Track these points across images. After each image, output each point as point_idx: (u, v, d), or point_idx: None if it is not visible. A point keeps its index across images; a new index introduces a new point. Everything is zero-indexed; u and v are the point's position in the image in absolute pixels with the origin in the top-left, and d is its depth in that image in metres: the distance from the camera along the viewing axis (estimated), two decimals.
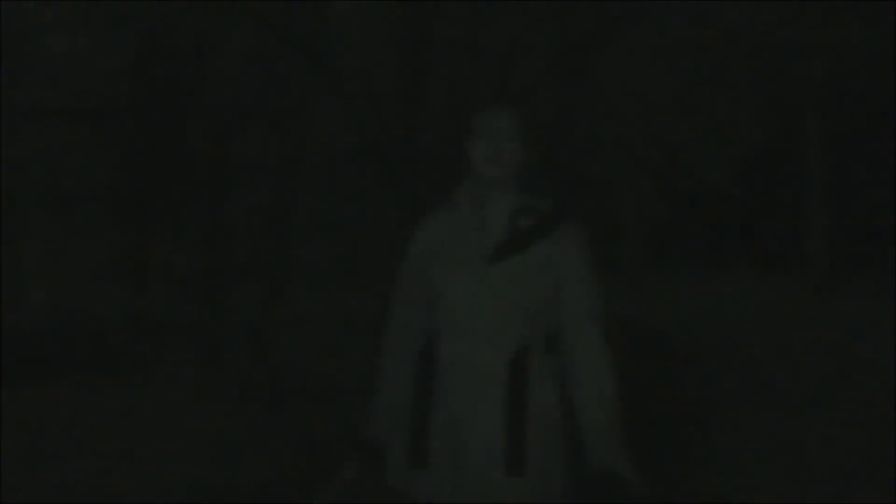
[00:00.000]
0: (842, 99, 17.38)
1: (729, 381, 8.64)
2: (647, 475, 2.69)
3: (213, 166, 10.70)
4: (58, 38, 16.73)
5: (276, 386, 8.14)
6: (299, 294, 13.19)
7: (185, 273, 15.64)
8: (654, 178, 20.82)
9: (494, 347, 2.62)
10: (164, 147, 15.63)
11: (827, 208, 16.79)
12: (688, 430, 6.87)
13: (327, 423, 6.55)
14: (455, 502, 2.63)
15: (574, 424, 2.67)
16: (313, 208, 16.07)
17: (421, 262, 2.72)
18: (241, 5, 9.46)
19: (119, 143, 16.57)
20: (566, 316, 2.68)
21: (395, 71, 10.32)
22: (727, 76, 18.18)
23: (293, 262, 13.00)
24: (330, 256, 17.17)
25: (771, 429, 6.85)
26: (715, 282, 18.31)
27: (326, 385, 7.87)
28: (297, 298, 12.61)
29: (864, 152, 19.13)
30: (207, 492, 5.32)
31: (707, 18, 15.24)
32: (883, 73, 16.58)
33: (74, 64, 17.03)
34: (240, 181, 12.94)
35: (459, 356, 2.64)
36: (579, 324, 2.67)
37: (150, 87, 15.24)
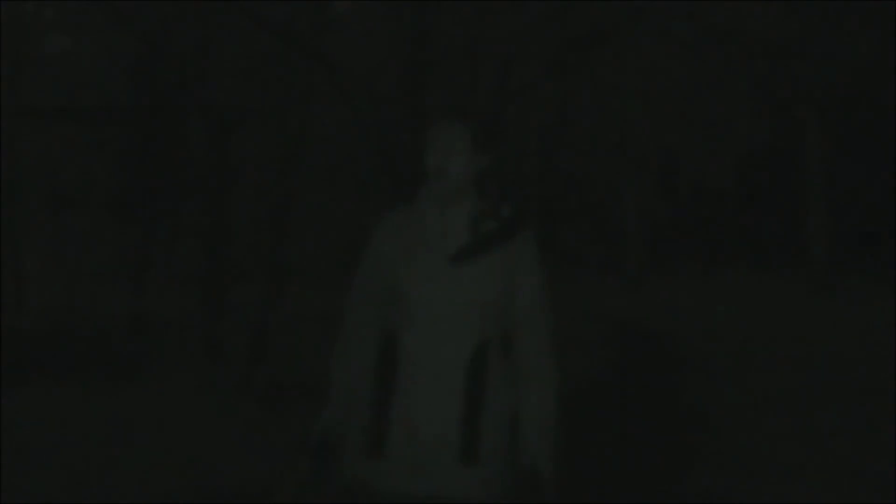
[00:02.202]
0: (842, 99, 17.39)
1: (729, 381, 8.65)
2: (566, 478, 2.88)
3: (213, 166, 10.70)
4: (58, 38, 16.74)
5: (275, 385, 8.15)
6: (299, 293, 13.20)
7: (185, 273, 15.65)
8: (654, 178, 20.84)
9: (456, 343, 2.76)
10: (164, 147, 15.63)
11: (827, 208, 16.79)
12: (688, 430, 6.88)
13: None
14: (410, 491, 2.76)
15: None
16: (313, 208, 16.07)
17: (382, 262, 2.85)
18: (242, 5, 9.47)
19: (119, 143, 16.58)
20: (519, 317, 2.83)
21: (395, 71, 10.32)
22: (727, 76, 18.21)
23: (293, 260, 13.00)
24: (330, 256, 17.19)
25: (771, 428, 6.86)
26: (715, 282, 18.33)
27: (325, 381, 7.87)
28: (297, 297, 12.62)
29: (864, 152, 19.14)
30: (207, 491, 5.32)
31: (707, 18, 15.25)
32: (883, 73, 16.58)
33: (74, 64, 17.04)
34: (240, 181, 12.94)
35: (421, 351, 2.76)
36: (531, 326, 2.83)
37: (150, 87, 15.24)
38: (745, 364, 9.59)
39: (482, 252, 2.78)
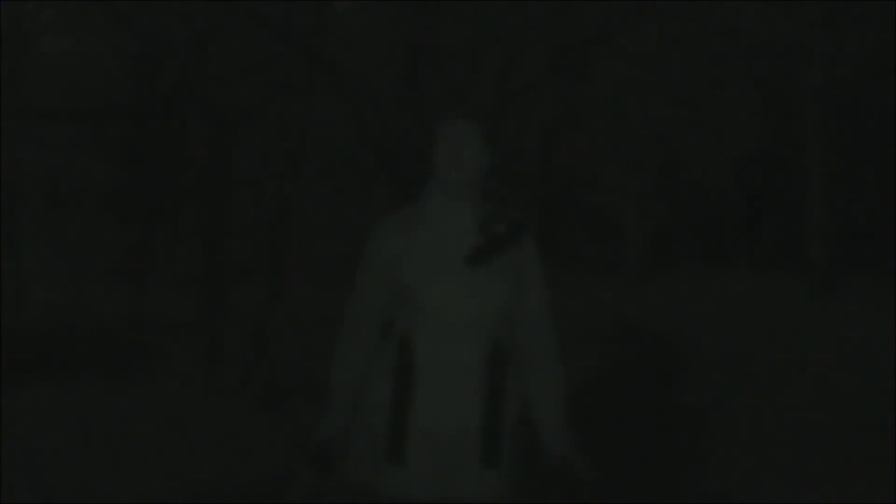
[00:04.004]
0: (841, 98, 17.38)
1: (729, 381, 8.64)
2: (594, 463, 2.91)
3: (213, 166, 10.70)
4: (58, 38, 16.74)
5: (275, 385, 8.14)
6: (299, 294, 13.20)
7: (185, 273, 15.65)
8: (654, 178, 20.83)
9: (472, 345, 2.75)
10: (163, 147, 15.63)
11: (827, 208, 16.79)
12: (688, 430, 6.87)
13: None
14: (432, 494, 2.75)
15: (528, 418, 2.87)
16: (313, 208, 16.07)
17: (387, 264, 2.82)
18: (242, 5, 9.46)
19: (119, 143, 16.58)
20: (528, 317, 2.85)
21: (395, 71, 10.33)
22: (727, 76, 18.21)
23: (293, 261, 13.01)
24: (330, 256, 17.18)
25: (771, 429, 6.85)
26: (715, 282, 18.32)
27: (326, 384, 7.86)
28: (297, 298, 12.62)
29: (864, 152, 19.14)
30: (207, 491, 5.32)
31: (707, 18, 15.25)
32: (883, 73, 16.58)
33: (74, 64, 17.05)
34: (240, 181, 12.95)
35: (438, 354, 2.75)
36: (539, 325, 2.86)
37: (150, 87, 15.24)
38: (745, 364, 9.59)
39: (496, 254, 2.78)
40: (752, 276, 18.95)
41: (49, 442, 6.27)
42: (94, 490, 5.31)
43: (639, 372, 9.39)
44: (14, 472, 5.52)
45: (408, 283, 2.76)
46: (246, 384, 8.36)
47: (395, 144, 9.23)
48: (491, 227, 2.80)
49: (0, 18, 13.54)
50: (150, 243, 16.45)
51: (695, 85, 18.22)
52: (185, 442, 6.31)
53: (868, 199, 19.26)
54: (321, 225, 17.28)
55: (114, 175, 16.94)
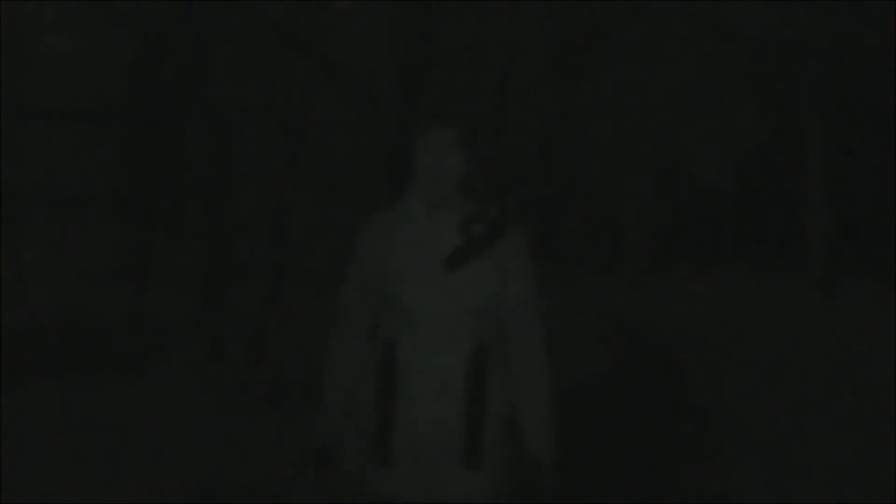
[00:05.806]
0: (842, 99, 17.39)
1: (729, 381, 8.65)
2: (568, 467, 2.89)
3: (213, 166, 10.71)
4: (58, 38, 16.74)
5: (275, 385, 8.15)
6: (299, 294, 13.19)
7: (185, 273, 15.64)
8: (654, 178, 20.83)
9: (454, 348, 2.75)
10: (164, 147, 15.62)
11: (827, 208, 16.79)
12: (688, 430, 6.87)
13: None
14: (415, 496, 2.76)
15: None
16: (313, 208, 16.08)
17: (372, 267, 2.82)
18: (242, 5, 9.47)
19: (119, 143, 16.57)
20: (510, 315, 2.83)
21: (395, 71, 10.33)
22: (727, 76, 18.19)
23: (293, 261, 13.01)
24: (330, 257, 17.18)
25: (771, 429, 6.86)
26: (715, 282, 18.32)
27: (320, 385, 7.83)
28: (297, 298, 12.62)
29: (864, 152, 19.14)
30: (207, 491, 5.32)
31: (707, 18, 15.25)
32: (883, 73, 16.58)
33: (74, 64, 17.04)
34: (240, 181, 12.95)
35: (420, 357, 2.75)
36: (522, 323, 2.83)
37: (150, 86, 15.23)
38: (745, 364, 9.59)
39: (474, 255, 2.77)
40: (753, 276, 18.95)
41: (49, 442, 6.27)
42: (94, 490, 5.31)
43: (638, 372, 9.39)
44: (14, 472, 5.52)
45: (390, 287, 2.76)
46: (246, 383, 8.36)
47: (394, 144, 9.23)
48: (469, 228, 2.79)
49: (0, 18, 13.54)
50: (151, 243, 16.44)
51: (695, 85, 18.22)
52: (185, 442, 6.31)
53: (868, 200, 19.27)
54: (321, 225, 17.27)
55: (114, 174, 16.92)
